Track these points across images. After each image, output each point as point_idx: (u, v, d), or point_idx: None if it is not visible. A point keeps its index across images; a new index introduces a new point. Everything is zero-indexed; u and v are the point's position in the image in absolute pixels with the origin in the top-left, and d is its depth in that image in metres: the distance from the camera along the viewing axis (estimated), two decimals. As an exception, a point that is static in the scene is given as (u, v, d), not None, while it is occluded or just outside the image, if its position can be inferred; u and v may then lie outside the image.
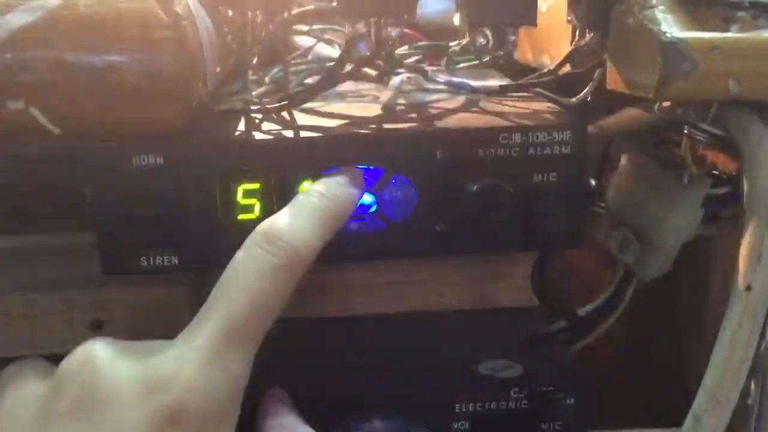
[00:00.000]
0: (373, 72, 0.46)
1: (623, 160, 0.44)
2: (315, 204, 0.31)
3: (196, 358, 0.27)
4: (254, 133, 0.35)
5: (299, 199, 0.32)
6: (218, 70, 0.34)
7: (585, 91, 0.39)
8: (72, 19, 0.28)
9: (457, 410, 0.37)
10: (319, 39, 0.45)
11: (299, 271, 0.30)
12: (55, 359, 0.40)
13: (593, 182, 0.46)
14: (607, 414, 0.42)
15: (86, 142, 0.31)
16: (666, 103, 0.37)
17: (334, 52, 0.46)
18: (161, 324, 0.40)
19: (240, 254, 0.30)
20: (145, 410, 0.25)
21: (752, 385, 0.33)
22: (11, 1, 0.28)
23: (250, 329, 0.28)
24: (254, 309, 0.28)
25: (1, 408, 0.29)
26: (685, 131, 0.36)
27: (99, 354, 0.27)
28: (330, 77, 0.37)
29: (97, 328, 0.40)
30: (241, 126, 0.36)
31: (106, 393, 0.26)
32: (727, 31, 0.33)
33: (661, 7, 0.33)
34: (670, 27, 0.32)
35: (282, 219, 0.31)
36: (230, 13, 0.37)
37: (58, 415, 0.26)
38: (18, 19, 0.28)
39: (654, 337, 0.50)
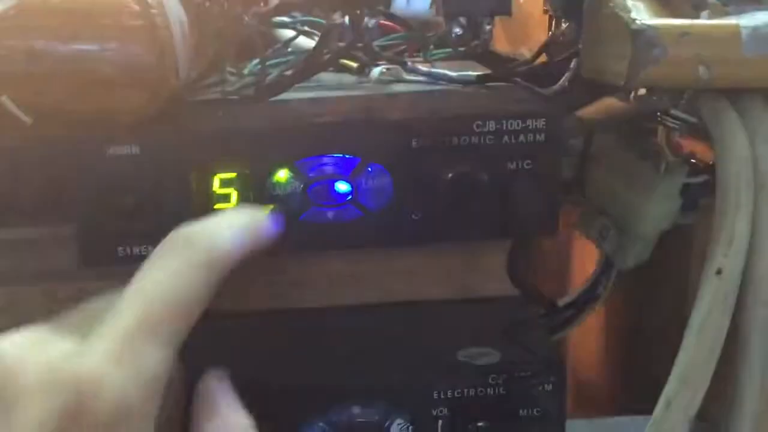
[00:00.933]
0: (353, 64, 0.46)
1: (601, 149, 0.44)
2: (234, 215, 0.32)
3: (104, 357, 0.26)
4: (230, 122, 0.36)
5: (222, 213, 0.32)
6: (192, 61, 0.34)
7: (562, 80, 0.39)
8: (42, 8, 0.28)
9: (435, 397, 0.37)
10: (299, 31, 0.45)
11: (215, 273, 0.29)
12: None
13: (575, 172, 0.46)
14: (587, 402, 0.42)
15: (60, 131, 0.31)
16: (641, 92, 0.37)
17: (312, 44, 0.46)
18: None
19: (156, 253, 0.29)
20: (47, 410, 0.25)
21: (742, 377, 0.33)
22: (-19, -9, 0.28)
23: (164, 326, 0.28)
24: (168, 306, 0.28)
25: None
26: (659, 119, 0.36)
27: (8, 352, 0.27)
28: (306, 68, 0.37)
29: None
30: (216, 116, 0.36)
31: (12, 392, 0.26)
32: (697, 17, 0.33)
33: (632, -5, 0.34)
34: (640, 14, 0.32)
35: (200, 223, 0.31)
36: (207, 4, 0.37)
37: None
38: (-13, 9, 0.28)
39: (634, 326, 0.51)
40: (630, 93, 0.38)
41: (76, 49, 0.28)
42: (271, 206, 0.35)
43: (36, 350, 0.27)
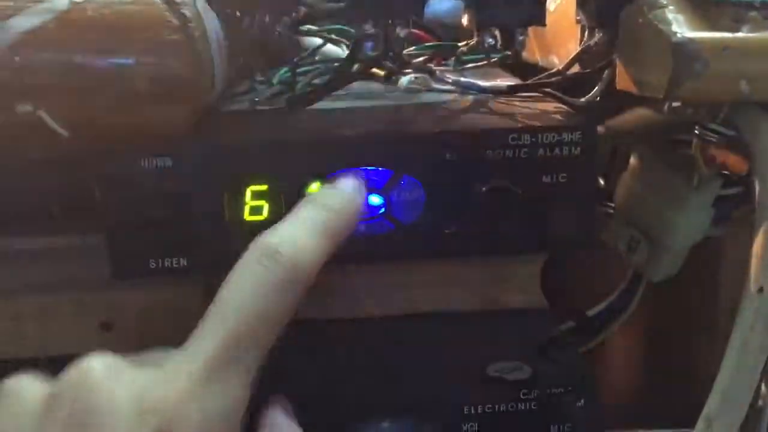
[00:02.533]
0: (381, 72, 0.46)
1: (633, 160, 0.44)
2: (316, 216, 0.31)
3: (190, 380, 0.26)
4: (262, 134, 0.35)
5: (300, 212, 0.31)
6: (229, 72, 0.34)
7: (594, 91, 0.39)
8: (80, 21, 0.28)
9: (466, 412, 0.37)
10: (327, 39, 0.45)
11: (301, 287, 0.29)
12: (65, 361, 0.40)
13: (602, 182, 0.46)
14: (618, 415, 0.42)
15: (95, 144, 0.31)
16: (676, 104, 0.37)
17: (342, 52, 0.46)
18: (172, 326, 0.40)
19: (238, 270, 0.29)
20: None
21: (763, 388, 0.33)
22: (19, 3, 0.28)
23: (249, 348, 0.27)
24: (254, 327, 0.27)
25: None
26: (696, 131, 0.35)
27: (94, 373, 0.26)
28: (338, 78, 0.37)
29: (107, 330, 0.40)
30: (248, 127, 0.36)
31: (99, 415, 0.25)
32: (738, 31, 0.32)
33: (671, 7, 0.33)
34: (681, 27, 0.32)
35: (282, 232, 0.29)
36: (238, 14, 0.37)
37: None
38: (26, 22, 0.28)
39: (664, 339, 0.50)
40: (664, 105, 0.37)
41: (114, 63, 0.28)
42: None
43: (122, 371, 0.27)
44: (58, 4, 0.27)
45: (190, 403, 0.26)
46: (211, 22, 0.31)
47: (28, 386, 0.29)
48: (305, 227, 0.30)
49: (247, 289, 0.28)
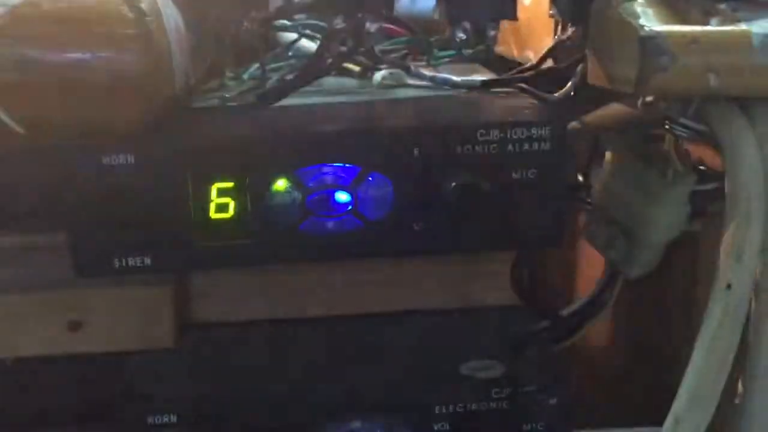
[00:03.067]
0: (355, 68, 0.45)
1: (608, 156, 0.43)
2: None
3: None
4: (228, 130, 0.35)
5: None
6: (190, 67, 0.33)
7: (568, 86, 0.39)
8: (34, 16, 0.27)
9: (437, 411, 0.36)
10: (301, 34, 0.44)
11: None
12: (33, 361, 0.40)
13: (581, 179, 0.45)
14: (593, 413, 0.41)
15: (54, 140, 0.30)
16: (649, 98, 0.37)
17: (314, 47, 0.46)
18: (141, 325, 0.40)
19: None
20: None
21: (740, 386, 0.33)
22: (-28, -2, 0.27)
23: None
24: None
25: None
26: (666, 126, 0.35)
27: None
28: (307, 73, 0.37)
29: (75, 329, 0.39)
30: (214, 123, 0.36)
31: None
32: (707, 24, 0.32)
33: (640, 0, 0.33)
34: (649, 20, 0.31)
35: None
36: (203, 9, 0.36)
37: None
38: (-21, 16, 0.27)
39: (641, 336, 0.50)
40: (637, 99, 0.37)
41: (68, 58, 0.27)
42: None
43: None
44: (11, -1, 0.27)
45: None
46: (171, 16, 0.30)
47: None
48: None
49: None
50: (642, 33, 0.31)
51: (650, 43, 0.31)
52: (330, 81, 0.44)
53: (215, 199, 0.34)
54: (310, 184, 0.34)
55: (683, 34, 0.31)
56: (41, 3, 0.27)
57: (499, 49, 0.48)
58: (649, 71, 0.31)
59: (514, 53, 0.48)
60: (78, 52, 0.27)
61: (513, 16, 0.37)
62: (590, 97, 0.40)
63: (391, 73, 0.43)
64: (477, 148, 0.34)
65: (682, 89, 0.32)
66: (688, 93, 0.33)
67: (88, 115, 0.29)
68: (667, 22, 0.32)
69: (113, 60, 0.28)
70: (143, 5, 0.28)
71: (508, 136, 0.34)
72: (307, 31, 0.44)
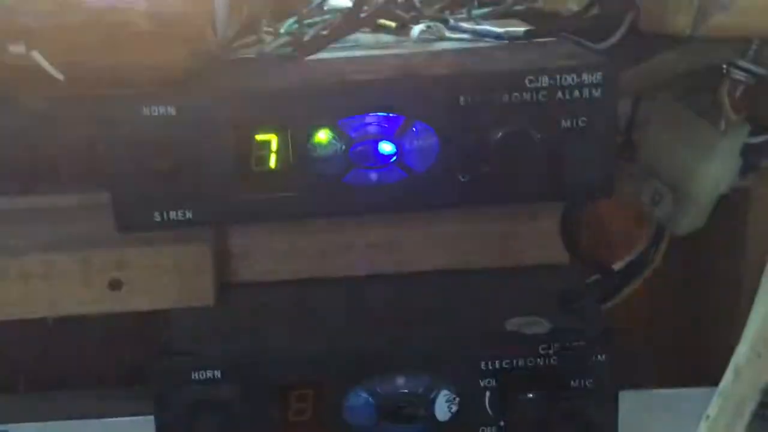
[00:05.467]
0: (392, 24, 0.44)
1: (656, 109, 0.42)
2: None
3: None
4: (269, 81, 0.34)
5: None
6: (228, 17, 0.32)
7: (616, 34, 0.37)
8: (74, -42, 0.27)
9: (483, 368, 0.36)
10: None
11: None
12: (73, 320, 0.40)
13: (624, 133, 0.44)
14: (639, 373, 0.40)
15: (93, 89, 0.30)
16: (702, 44, 0.35)
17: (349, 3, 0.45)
18: (181, 284, 0.39)
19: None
20: None
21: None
22: (11, -59, 0.26)
23: None
24: None
25: None
26: (724, 71, 0.34)
27: None
28: (344, 24, 0.36)
29: (116, 288, 0.39)
30: (255, 75, 0.35)
31: None
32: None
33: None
34: (707, -41, 0.30)
35: None
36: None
37: None
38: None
39: (689, 294, 0.49)
40: (691, 45, 0.36)
41: (109, 1, 0.27)
42: None
43: None
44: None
45: None
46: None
47: None
48: None
49: None
50: (701, -30, 0.30)
51: (710, -20, 0.29)
52: (366, 37, 0.43)
53: (257, 151, 0.33)
54: (353, 135, 0.33)
55: (745, -30, 0.30)
56: (81, -56, 0.26)
57: (539, 3, 0.47)
58: (708, 12, 0.30)
59: (557, 7, 0.46)
60: (119, -5, 0.27)
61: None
62: (637, 49, 0.39)
63: (429, 27, 0.42)
64: (525, 95, 0.33)
65: (743, 30, 0.31)
66: (748, 34, 0.31)
67: (129, 60, 0.28)
68: (726, -40, 0.30)
69: (154, 2, 0.27)
70: (186, -53, 0.27)
71: (558, 83, 0.33)
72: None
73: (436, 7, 0.43)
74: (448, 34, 0.42)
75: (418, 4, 0.40)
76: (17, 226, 0.40)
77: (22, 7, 0.26)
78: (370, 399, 0.36)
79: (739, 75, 0.33)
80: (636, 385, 0.39)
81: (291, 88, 0.33)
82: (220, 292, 0.40)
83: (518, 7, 0.42)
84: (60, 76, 0.27)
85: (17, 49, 0.26)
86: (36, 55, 0.27)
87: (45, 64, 0.27)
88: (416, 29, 0.42)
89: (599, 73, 0.33)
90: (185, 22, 0.28)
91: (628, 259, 0.43)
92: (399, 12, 0.41)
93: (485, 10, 0.44)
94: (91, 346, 0.44)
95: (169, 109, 0.32)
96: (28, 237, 0.40)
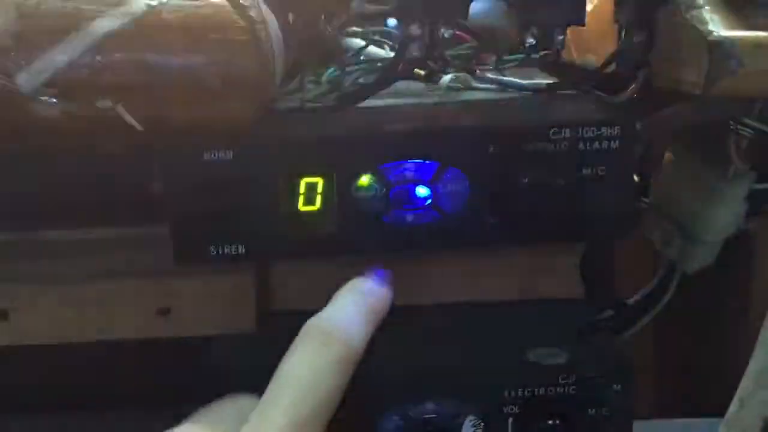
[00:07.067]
0: (422, 72, 0.47)
1: (668, 155, 0.45)
2: (359, 301, 0.34)
3: None
4: (315, 130, 0.37)
5: (344, 298, 0.34)
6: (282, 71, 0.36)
7: (630, 88, 0.40)
8: (155, 24, 0.30)
9: (506, 395, 0.38)
10: (370, 41, 0.46)
11: (354, 366, 0.31)
12: (124, 345, 0.43)
13: (637, 178, 0.47)
14: (650, 405, 0.43)
15: (164, 138, 0.33)
16: (712, 101, 0.38)
17: (383, 53, 0.48)
18: (225, 312, 0.42)
19: (297, 349, 0.31)
20: None
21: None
22: (100, 7, 0.30)
23: (313, 427, 0.29)
24: (318, 406, 0.29)
25: None
26: (731, 127, 0.37)
27: None
28: (385, 77, 0.39)
29: (164, 314, 0.42)
30: (302, 123, 0.38)
31: None
32: (773, 29, 0.34)
33: (707, 7, 0.35)
34: (717, 26, 0.33)
35: (333, 315, 0.32)
36: (290, 15, 0.39)
37: None
38: (105, 24, 0.30)
39: (698, 329, 0.51)
40: (700, 101, 0.39)
41: (186, 63, 0.30)
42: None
43: None
44: (136, 8, 0.30)
45: None
46: (273, 22, 0.33)
47: None
48: (350, 307, 0.33)
49: (310, 368, 0.30)
50: (711, 38, 0.33)
51: (719, 47, 0.33)
52: (399, 85, 0.47)
53: (303, 193, 0.37)
54: (392, 179, 0.37)
55: (750, 39, 0.33)
56: (162, 12, 0.30)
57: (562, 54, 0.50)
58: (717, 75, 0.33)
59: (575, 57, 0.50)
60: (194, 57, 0.30)
61: (582, 22, 0.39)
62: (651, 101, 0.42)
63: (457, 77, 0.46)
64: (548, 146, 0.36)
65: (749, 92, 0.34)
66: (754, 95, 0.34)
67: (202, 115, 0.31)
68: (733, 28, 0.34)
69: (227, 65, 0.30)
70: (253, 13, 0.30)
71: (579, 135, 0.36)
72: (376, 37, 0.47)
73: (462, 60, 0.46)
74: (474, 83, 0.45)
75: (448, 57, 0.43)
76: (74, 257, 0.43)
77: (109, 68, 0.30)
78: (400, 422, 0.38)
79: (745, 131, 0.36)
80: (646, 416, 0.42)
81: (336, 137, 0.37)
82: (261, 319, 0.42)
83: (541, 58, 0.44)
84: (139, 127, 0.31)
85: (104, 103, 0.30)
86: (120, 109, 0.30)
87: (128, 117, 0.30)
88: (446, 78, 0.46)
89: (617, 127, 0.36)
90: (253, 81, 0.31)
91: (640, 294, 0.46)
92: (431, 63, 0.44)
93: (513, 59, 0.47)
94: (136, 369, 0.47)
95: (227, 153, 0.36)
96: (84, 267, 0.43)
